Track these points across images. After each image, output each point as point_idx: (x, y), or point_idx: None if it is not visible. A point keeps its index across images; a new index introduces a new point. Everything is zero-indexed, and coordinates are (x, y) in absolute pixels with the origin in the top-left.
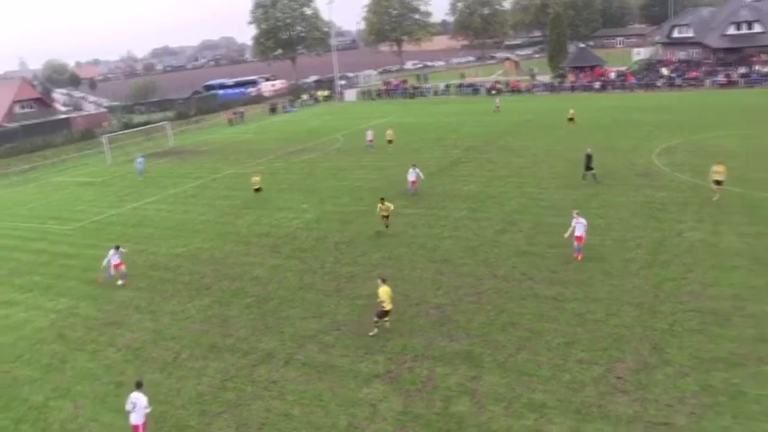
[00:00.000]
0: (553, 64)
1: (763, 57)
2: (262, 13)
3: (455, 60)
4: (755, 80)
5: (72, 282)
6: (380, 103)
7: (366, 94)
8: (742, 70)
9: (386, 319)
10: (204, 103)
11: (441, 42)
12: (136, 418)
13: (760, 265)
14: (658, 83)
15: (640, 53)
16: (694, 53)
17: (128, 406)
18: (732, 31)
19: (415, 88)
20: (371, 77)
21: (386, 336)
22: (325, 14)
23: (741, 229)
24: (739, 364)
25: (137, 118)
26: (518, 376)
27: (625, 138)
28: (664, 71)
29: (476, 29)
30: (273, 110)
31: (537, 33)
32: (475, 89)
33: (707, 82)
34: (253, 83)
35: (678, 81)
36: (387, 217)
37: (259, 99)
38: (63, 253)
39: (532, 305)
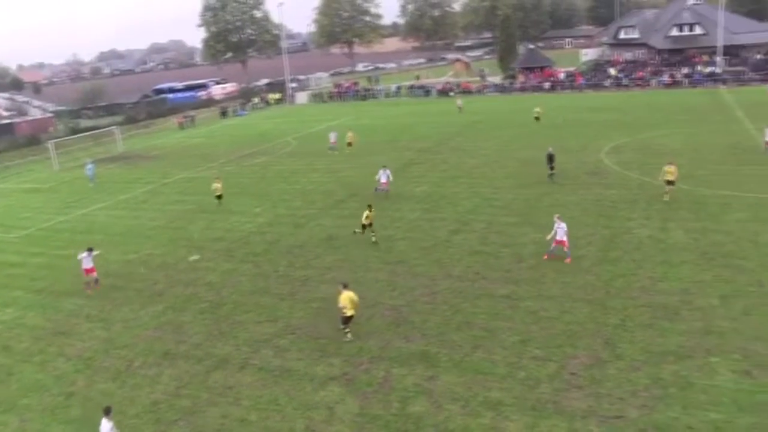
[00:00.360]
0: (504, 65)
1: (705, 58)
2: (211, 16)
3: (406, 62)
4: (698, 80)
5: (18, 292)
6: (332, 105)
7: (317, 97)
8: (686, 70)
9: (348, 326)
10: (153, 107)
11: (392, 44)
12: None
13: (706, 260)
14: (606, 83)
15: (588, 54)
16: (639, 54)
17: None
18: (675, 32)
19: (366, 90)
20: (322, 80)
21: (341, 338)
22: (276, 17)
23: (688, 225)
24: (687, 357)
25: (85, 123)
26: (474, 374)
27: (574, 137)
28: (612, 71)
29: (427, 31)
30: (224, 114)
31: (487, 34)
32: (426, 91)
33: (653, 82)
34: (204, 87)
35: (625, 81)
36: (370, 225)
37: (209, 102)
38: (8, 262)
39: (486, 304)
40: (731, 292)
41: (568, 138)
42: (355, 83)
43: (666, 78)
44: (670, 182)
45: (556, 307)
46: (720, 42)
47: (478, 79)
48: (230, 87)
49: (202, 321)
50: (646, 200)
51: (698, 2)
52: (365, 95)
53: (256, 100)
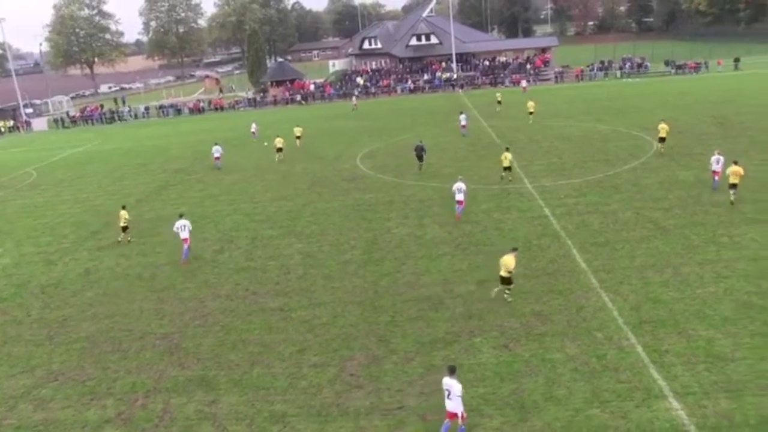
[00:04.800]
0: (254, 79)
1: (442, 65)
2: None
3: (154, 81)
4: (437, 85)
5: None
6: (76, 130)
7: (58, 122)
8: (426, 76)
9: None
10: None
11: (137, 62)
12: None
13: (461, 250)
14: (355, 92)
15: (336, 65)
16: (383, 63)
17: None
18: (414, 42)
19: (113, 112)
20: (63, 103)
21: (112, 377)
22: None
23: (441, 220)
24: (454, 341)
25: None
26: (256, 391)
27: (329, 146)
28: (359, 80)
29: (173, 48)
30: None
31: (236, 49)
32: (177, 110)
33: (398, 88)
34: None
35: (373, 89)
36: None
37: None
38: None
39: (259, 319)
40: (485, 277)
41: (323, 147)
42: (101, 106)
43: (409, 84)
44: (662, 139)
45: (328, 313)
46: (453, 50)
47: (229, 95)
48: None
49: None
50: (402, 201)
51: (432, 14)
52: (112, 118)
53: None
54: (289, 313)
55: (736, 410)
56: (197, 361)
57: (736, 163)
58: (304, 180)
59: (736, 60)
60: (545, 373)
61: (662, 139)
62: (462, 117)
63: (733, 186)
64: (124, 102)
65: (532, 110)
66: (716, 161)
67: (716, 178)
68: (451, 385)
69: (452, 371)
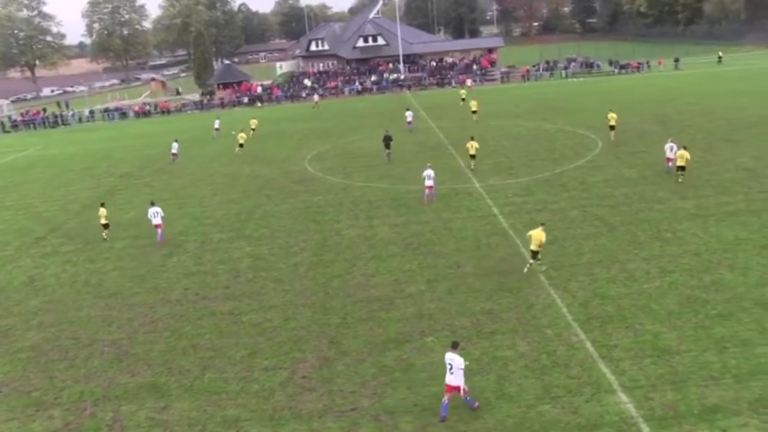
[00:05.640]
0: (200, 81)
1: (389, 66)
2: None
3: (98, 84)
4: (385, 86)
5: None
6: (17, 135)
7: None
8: (374, 77)
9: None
10: None
11: (80, 65)
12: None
13: (411, 250)
14: (303, 94)
15: (283, 67)
16: (331, 64)
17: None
18: (361, 43)
19: (56, 116)
20: (3, 107)
21: (59, 386)
22: None
23: (390, 221)
24: (406, 341)
25: None
26: (208, 396)
27: (278, 148)
28: (307, 82)
29: (117, 50)
30: None
31: (182, 52)
32: (123, 113)
33: (346, 90)
34: None
35: (321, 90)
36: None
37: None
38: None
39: (209, 324)
40: (434, 276)
41: (272, 149)
42: (43, 110)
43: (357, 86)
44: (612, 127)
45: (279, 315)
46: (400, 51)
47: (175, 97)
48: None
49: None
50: (352, 202)
51: (378, 16)
52: (55, 122)
53: None
54: (240, 317)
55: (680, 401)
56: (147, 367)
57: (684, 148)
58: (253, 183)
59: (676, 60)
60: (497, 371)
61: (612, 128)
62: (408, 114)
63: (681, 168)
64: (67, 106)
65: (475, 109)
66: (669, 148)
67: (669, 164)
68: (453, 358)
69: (455, 346)
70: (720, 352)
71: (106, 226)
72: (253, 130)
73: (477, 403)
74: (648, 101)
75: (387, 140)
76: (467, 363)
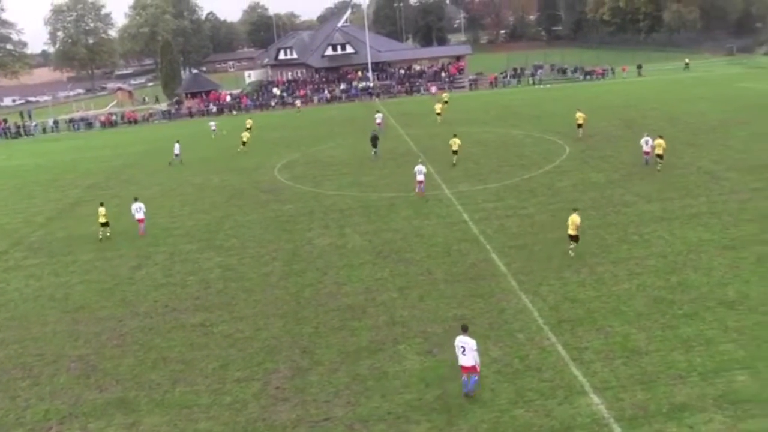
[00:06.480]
0: (168, 91)
1: (358, 74)
2: None
3: (62, 93)
4: (354, 95)
5: None
6: None
7: None
8: (343, 86)
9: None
10: None
11: (43, 74)
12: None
13: (382, 258)
14: (272, 103)
15: (252, 75)
16: (300, 73)
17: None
18: (330, 52)
19: (18, 126)
20: None
21: (22, 405)
22: None
23: (362, 229)
24: (379, 350)
25: None
26: (179, 410)
27: (247, 157)
28: (276, 91)
29: (82, 60)
30: None
31: (149, 61)
32: (88, 123)
33: (315, 98)
34: None
35: (289, 99)
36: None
37: None
38: None
39: (179, 336)
40: (406, 283)
41: (241, 158)
42: (4, 120)
43: (326, 94)
44: (580, 125)
45: (250, 326)
46: (369, 59)
47: (143, 107)
48: None
49: None
50: (322, 211)
51: (347, 24)
52: (18, 133)
53: None
54: (211, 329)
55: (650, 400)
56: (116, 382)
57: (661, 137)
58: (222, 193)
59: (639, 66)
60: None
61: (580, 125)
62: (378, 115)
63: (660, 156)
64: (30, 116)
65: (439, 111)
66: (645, 142)
67: (647, 157)
68: (466, 341)
69: (465, 329)
70: (686, 351)
71: (105, 224)
72: (249, 129)
73: (476, 392)
74: (614, 107)
75: (374, 140)
76: (440, 371)
